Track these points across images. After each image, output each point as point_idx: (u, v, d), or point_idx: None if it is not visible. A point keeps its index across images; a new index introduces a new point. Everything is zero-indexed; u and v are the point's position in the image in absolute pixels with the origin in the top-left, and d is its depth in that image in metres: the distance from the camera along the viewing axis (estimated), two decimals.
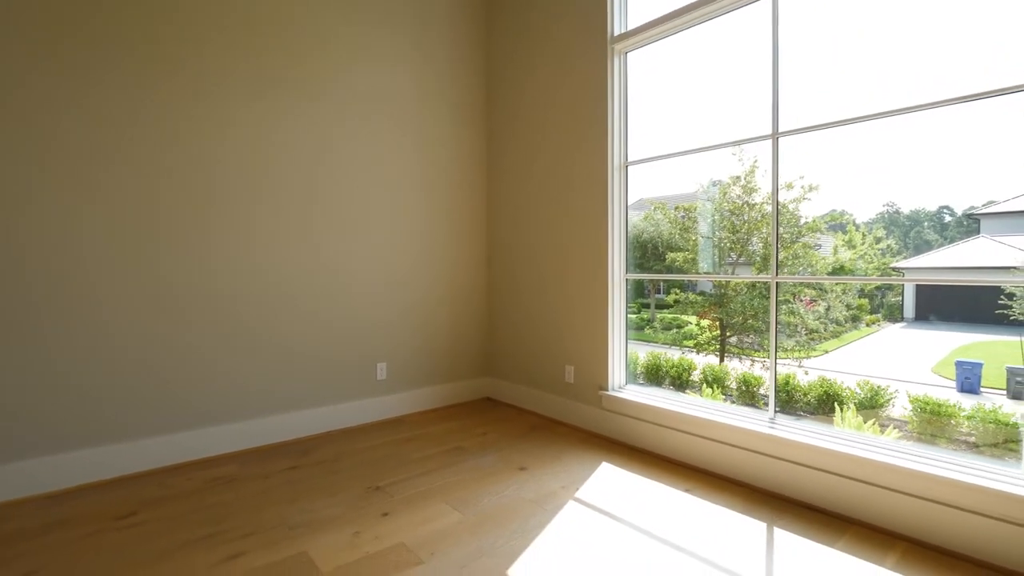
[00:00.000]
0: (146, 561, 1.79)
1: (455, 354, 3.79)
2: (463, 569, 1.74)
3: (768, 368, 2.51)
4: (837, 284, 3.52)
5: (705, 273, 3.92)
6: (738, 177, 3.54)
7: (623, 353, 3.10)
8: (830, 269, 3.46)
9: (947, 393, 2.90)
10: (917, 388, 3.09)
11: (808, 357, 3.69)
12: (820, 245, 3.50)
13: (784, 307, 3.84)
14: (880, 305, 3.53)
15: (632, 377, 3.15)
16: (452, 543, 1.90)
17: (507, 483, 2.42)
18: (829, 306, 3.66)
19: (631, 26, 2.99)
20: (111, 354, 2.46)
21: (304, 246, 3.04)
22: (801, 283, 3.56)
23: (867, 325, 3.56)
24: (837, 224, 3.32)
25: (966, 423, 2.68)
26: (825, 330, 3.65)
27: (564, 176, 3.30)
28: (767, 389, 3.57)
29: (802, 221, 3.42)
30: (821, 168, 2.87)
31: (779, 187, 2.46)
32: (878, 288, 3.51)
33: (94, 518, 2.09)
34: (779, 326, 3.51)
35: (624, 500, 2.24)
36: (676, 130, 3.07)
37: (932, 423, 2.93)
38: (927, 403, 2.97)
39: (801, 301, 3.73)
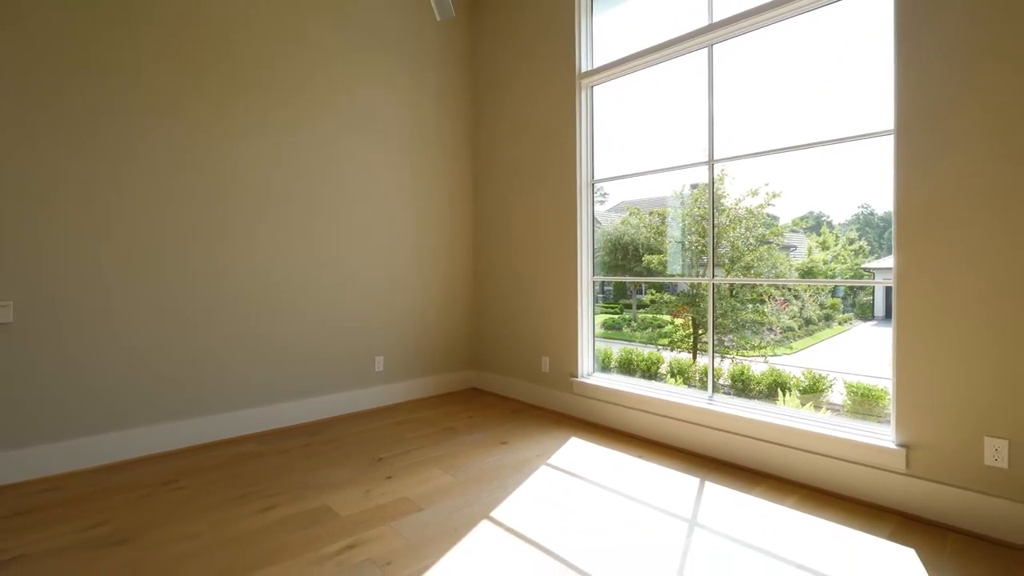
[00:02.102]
0: (195, 514, 2.20)
1: (445, 349, 4.23)
2: (454, 514, 2.18)
3: (735, 361, 2.99)
4: (809, 286, 3.78)
5: (668, 275, 4.34)
6: (708, 184, 3.89)
7: (591, 345, 3.58)
8: (804, 270, 3.67)
9: (885, 383, 3.29)
10: (856, 378, 3.45)
11: (775, 355, 4.10)
12: (795, 247, 3.75)
13: (750, 307, 4.27)
14: (852, 304, 3.75)
15: (607, 370, 3.62)
16: (445, 496, 2.35)
17: (490, 454, 2.87)
18: (804, 306, 3.90)
19: (596, 64, 3.47)
20: (133, 353, 2.85)
21: (307, 255, 3.46)
22: (773, 285, 3.89)
23: (839, 324, 3.80)
24: (812, 226, 3.49)
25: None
26: (800, 329, 3.90)
27: (539, 192, 3.77)
28: (725, 379, 4.03)
29: (780, 223, 3.64)
30: (799, 172, 3.02)
31: (742, 195, 2.95)
32: (851, 289, 3.70)
33: (143, 485, 2.49)
34: (748, 324, 3.92)
35: (587, 464, 2.71)
36: (637, 151, 3.55)
37: (862, 404, 3.44)
38: (859, 388, 3.49)
39: (775, 301, 4.05)
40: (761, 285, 3.91)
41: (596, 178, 3.58)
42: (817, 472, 2.38)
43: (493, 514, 2.18)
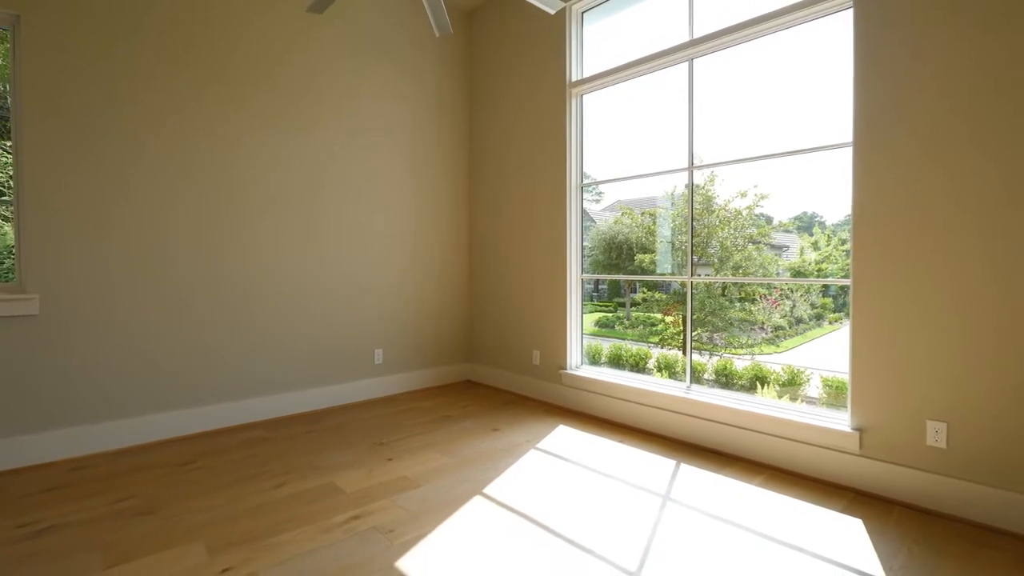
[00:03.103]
0: (213, 490, 2.41)
1: (441, 343, 4.44)
2: (450, 490, 2.40)
3: (722, 357, 3.20)
4: (800, 286, 3.92)
5: (651, 273, 4.53)
6: (699, 185, 3.87)
7: (579, 339, 3.80)
8: (796, 270, 3.72)
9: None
10: (832, 373, 3.55)
11: (762, 352, 4.27)
12: (787, 247, 3.85)
13: (738, 305, 4.44)
14: (843, 304, 3.80)
15: (597, 366, 3.83)
16: (442, 475, 2.56)
17: (484, 439, 3.08)
18: (795, 305, 4.01)
19: (586, 74, 3.68)
20: (149, 346, 3.05)
21: (310, 256, 3.65)
22: (751, 283, 4.08)
23: (830, 323, 3.91)
24: (805, 226, 3.53)
25: None
26: (790, 328, 4.00)
27: (531, 195, 3.98)
28: (709, 373, 4.22)
29: (774, 222, 3.70)
30: (793, 174, 3.06)
31: (731, 197, 3.16)
32: (842, 288, 3.72)
33: (162, 465, 2.70)
34: (736, 322, 4.07)
35: (573, 449, 2.93)
36: (626, 154, 3.76)
37: (837, 397, 3.66)
38: (834, 383, 3.71)
39: (767, 300, 4.18)
40: (751, 285, 4.09)
41: (585, 181, 3.78)
42: (782, 454, 2.61)
43: (485, 490, 2.39)
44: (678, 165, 3.20)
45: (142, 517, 2.15)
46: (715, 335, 4.25)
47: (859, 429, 2.37)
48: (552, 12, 2.36)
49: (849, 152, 2.44)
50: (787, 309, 3.96)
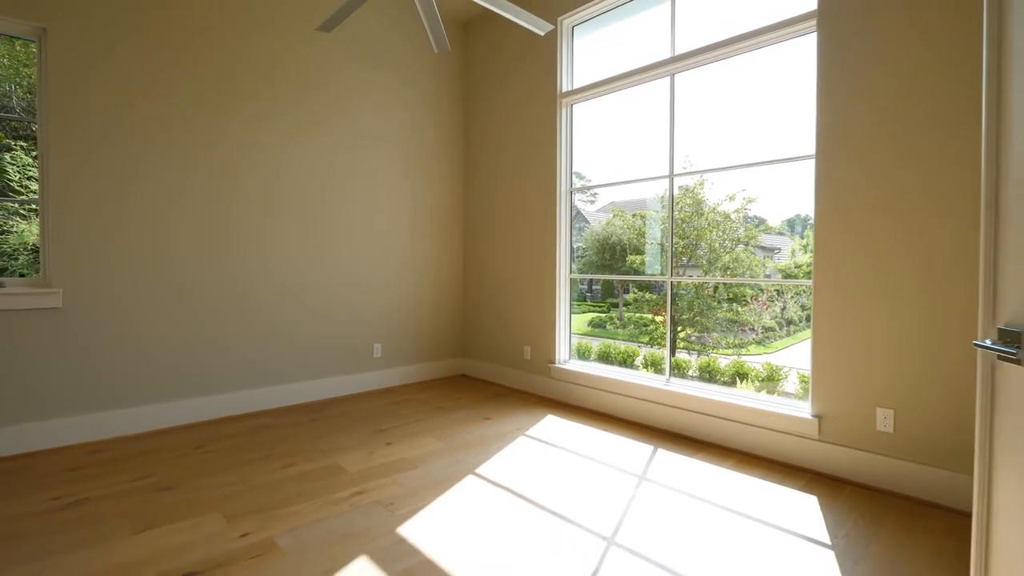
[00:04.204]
0: (226, 469, 2.61)
1: (437, 338, 4.65)
2: (445, 470, 2.61)
3: (710, 356, 3.44)
4: (790, 288, 4.03)
5: (636, 274, 4.73)
6: (689, 188, 3.98)
7: (568, 334, 4.02)
8: (787, 272, 3.82)
9: None
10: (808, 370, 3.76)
11: (749, 353, 4.44)
12: (779, 249, 3.97)
13: (726, 306, 4.63)
14: None
15: (586, 361, 4.06)
16: (437, 458, 2.77)
17: (476, 426, 3.30)
18: (785, 307, 4.11)
19: (576, 85, 3.90)
20: (161, 339, 3.25)
21: (313, 257, 3.86)
22: (735, 283, 4.29)
23: None
24: (800, 228, 3.59)
25: None
26: (780, 329, 4.09)
27: (523, 198, 4.20)
28: (694, 370, 4.44)
29: (768, 223, 3.76)
30: (788, 177, 3.08)
31: (720, 200, 3.39)
32: None
33: (177, 448, 2.89)
34: (723, 323, 4.24)
35: (559, 436, 3.15)
36: (616, 159, 3.97)
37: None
38: (808, 378, 3.93)
39: (758, 302, 4.29)
40: (740, 287, 4.27)
41: (574, 186, 4.01)
42: (751, 440, 2.84)
43: (477, 471, 2.61)
44: (661, 172, 3.43)
45: (162, 492, 2.35)
46: (704, 335, 4.43)
47: (818, 416, 2.61)
48: (542, 34, 2.58)
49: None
50: (777, 311, 4.10)
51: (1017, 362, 0.90)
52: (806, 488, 2.44)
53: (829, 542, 1.97)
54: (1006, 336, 0.93)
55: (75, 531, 2.00)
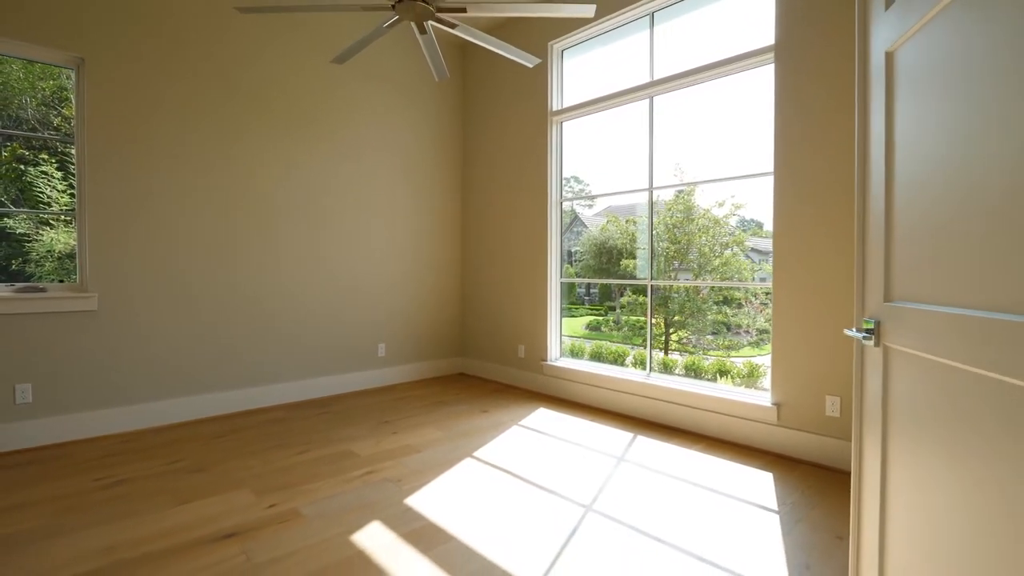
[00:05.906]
0: (247, 455, 2.91)
1: (436, 338, 4.96)
2: (446, 454, 2.92)
3: (701, 356, 3.77)
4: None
5: (620, 277, 5.05)
6: (681, 193, 4.20)
7: (559, 334, 4.34)
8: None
9: None
10: None
11: (739, 356, 4.70)
12: (771, 251, 4.33)
13: (716, 308, 4.87)
14: None
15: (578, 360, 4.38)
16: (438, 444, 3.08)
17: (474, 418, 3.61)
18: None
19: (565, 104, 4.24)
20: (185, 340, 3.55)
21: (321, 264, 4.17)
22: (729, 287, 4.68)
23: None
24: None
25: None
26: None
27: (516, 208, 4.52)
28: (680, 368, 4.73)
29: (763, 229, 3.91)
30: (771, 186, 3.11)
31: (709, 206, 3.72)
32: None
33: (199, 438, 3.19)
34: (712, 324, 4.49)
35: (549, 425, 3.46)
36: (601, 171, 4.31)
37: None
38: None
39: (751, 305, 4.51)
40: (731, 291, 4.57)
41: (564, 198, 4.33)
42: (719, 426, 3.16)
43: (475, 454, 2.92)
44: (642, 185, 3.76)
45: (194, 473, 2.65)
46: (697, 336, 4.64)
47: (777, 404, 2.93)
48: (530, 66, 2.91)
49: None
50: (771, 313, 4.34)
51: (873, 343, 1.23)
52: (765, 467, 2.76)
53: (777, 509, 2.29)
54: (868, 326, 1.25)
55: (124, 504, 2.30)
